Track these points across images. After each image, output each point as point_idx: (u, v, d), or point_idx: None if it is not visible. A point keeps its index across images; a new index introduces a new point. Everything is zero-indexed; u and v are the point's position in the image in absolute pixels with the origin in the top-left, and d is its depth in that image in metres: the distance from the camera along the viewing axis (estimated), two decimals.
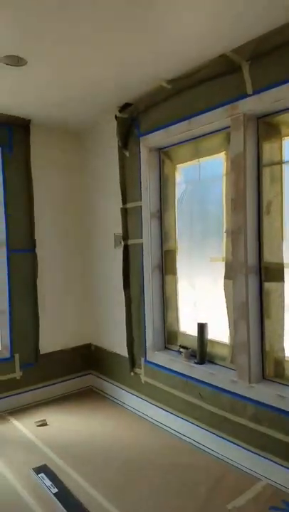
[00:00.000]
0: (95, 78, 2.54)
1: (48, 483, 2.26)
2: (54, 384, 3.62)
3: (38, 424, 3.02)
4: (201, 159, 2.76)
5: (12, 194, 3.37)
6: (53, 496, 2.15)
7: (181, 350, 2.86)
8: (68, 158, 3.73)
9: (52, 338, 3.61)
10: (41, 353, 3.54)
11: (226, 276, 2.55)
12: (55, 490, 2.20)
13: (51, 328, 3.61)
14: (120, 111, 3.00)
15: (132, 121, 3.04)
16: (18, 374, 3.41)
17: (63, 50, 2.16)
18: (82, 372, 3.82)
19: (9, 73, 2.42)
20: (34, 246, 3.49)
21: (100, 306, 3.71)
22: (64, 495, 2.16)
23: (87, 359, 3.85)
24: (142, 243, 3.09)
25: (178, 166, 2.93)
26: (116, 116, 3.05)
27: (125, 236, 3.24)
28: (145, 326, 3.11)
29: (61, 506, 2.06)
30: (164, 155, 2.98)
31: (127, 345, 3.27)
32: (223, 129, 2.49)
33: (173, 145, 2.86)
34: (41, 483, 2.27)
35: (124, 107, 2.99)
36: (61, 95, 2.81)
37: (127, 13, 1.83)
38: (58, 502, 2.10)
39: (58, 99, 2.87)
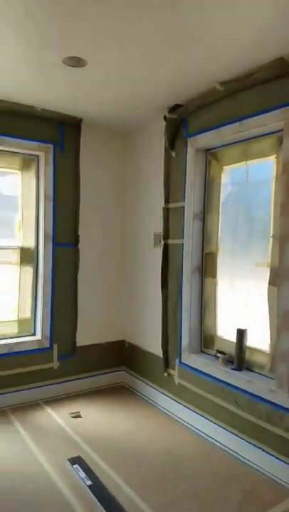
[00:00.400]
0: (149, 79, 2.56)
1: (83, 474, 2.31)
2: (88, 377, 3.69)
3: (72, 415, 3.09)
4: (249, 161, 2.71)
5: (60, 190, 3.46)
6: (87, 488, 2.20)
7: (218, 354, 2.83)
8: (114, 156, 3.78)
9: (88, 332, 3.68)
10: (77, 345, 3.62)
11: (271, 283, 2.50)
12: (89, 482, 2.24)
13: (88, 322, 3.68)
14: (170, 111, 3.00)
15: (181, 121, 3.03)
16: (55, 364, 3.51)
17: (121, 51, 2.18)
18: (115, 368, 3.87)
19: (68, 73, 2.48)
20: (77, 241, 3.57)
21: (136, 304, 3.74)
22: (98, 488, 2.20)
23: (120, 355, 3.89)
24: (183, 244, 3.08)
25: (225, 167, 2.89)
26: (165, 117, 3.05)
27: (165, 236, 3.25)
28: (181, 328, 3.10)
29: (95, 499, 2.10)
30: (211, 156, 2.95)
31: (162, 346, 3.28)
32: (275, 132, 2.43)
33: (221, 146, 2.83)
34: (76, 475, 2.32)
35: (173, 108, 2.98)
36: (114, 95, 2.84)
37: (184, 14, 1.82)
38: (92, 494, 2.14)
39: (111, 99, 2.91)
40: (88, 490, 2.18)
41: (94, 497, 2.12)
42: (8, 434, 2.79)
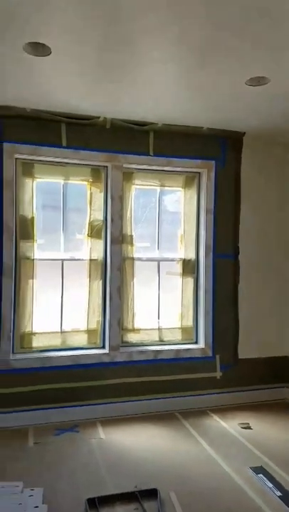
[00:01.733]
0: None
1: (270, 485, 2.27)
2: (249, 390, 3.63)
3: (242, 426, 3.08)
4: None
5: (221, 203, 3.58)
6: (278, 498, 2.15)
7: None
8: (275, 165, 3.73)
9: (249, 345, 3.65)
10: (239, 357, 3.61)
11: None
12: (279, 493, 2.19)
13: (249, 335, 3.65)
14: None
15: None
16: (218, 374, 3.56)
17: None
18: (276, 384, 3.72)
19: (248, 93, 2.59)
20: (237, 253, 3.63)
21: None
22: None
23: (283, 372, 3.73)
24: None
25: None
26: None
27: None
28: None
29: None
30: None
31: None
32: None
33: None
34: (262, 484, 2.29)
35: None
36: (285, 105, 2.85)
37: None
38: (285, 506, 2.08)
39: (281, 109, 2.91)
40: (280, 501, 2.13)
41: (288, 508, 2.06)
42: (185, 438, 2.92)
